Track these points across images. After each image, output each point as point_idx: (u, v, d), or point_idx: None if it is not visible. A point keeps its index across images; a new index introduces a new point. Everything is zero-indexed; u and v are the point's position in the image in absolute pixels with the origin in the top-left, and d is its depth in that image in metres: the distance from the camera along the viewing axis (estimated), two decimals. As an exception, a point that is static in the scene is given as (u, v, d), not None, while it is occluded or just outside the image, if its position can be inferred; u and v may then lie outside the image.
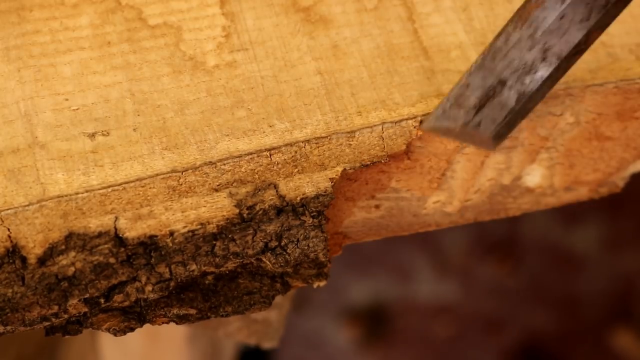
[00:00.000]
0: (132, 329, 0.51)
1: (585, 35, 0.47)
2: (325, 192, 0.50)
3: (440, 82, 0.53)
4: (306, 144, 0.51)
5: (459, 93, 0.49)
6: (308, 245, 0.50)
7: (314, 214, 0.50)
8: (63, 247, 0.48)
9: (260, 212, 0.49)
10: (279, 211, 0.50)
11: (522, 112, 0.48)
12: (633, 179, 0.60)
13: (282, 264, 0.50)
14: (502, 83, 0.47)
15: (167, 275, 0.49)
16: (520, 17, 0.47)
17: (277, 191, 0.50)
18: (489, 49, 0.48)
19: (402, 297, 1.59)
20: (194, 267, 0.49)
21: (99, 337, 0.97)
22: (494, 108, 0.48)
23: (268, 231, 0.49)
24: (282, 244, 0.50)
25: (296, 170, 0.51)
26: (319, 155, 0.51)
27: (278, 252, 0.50)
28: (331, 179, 0.51)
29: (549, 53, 0.47)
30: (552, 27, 0.46)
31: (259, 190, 0.50)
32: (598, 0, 0.46)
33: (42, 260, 0.47)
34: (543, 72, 0.47)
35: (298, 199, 0.50)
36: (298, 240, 0.50)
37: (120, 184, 0.49)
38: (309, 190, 0.50)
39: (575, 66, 0.55)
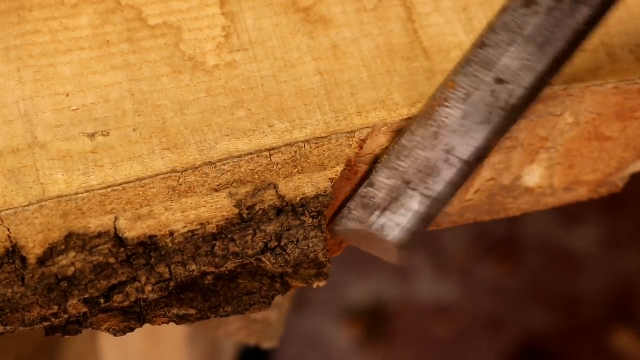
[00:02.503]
0: (132, 329, 0.51)
1: (486, 139, 0.45)
2: (325, 192, 0.50)
3: (440, 82, 0.53)
4: (306, 144, 0.51)
5: (364, 193, 0.47)
6: (308, 246, 0.50)
7: (314, 214, 0.50)
8: (63, 247, 0.48)
9: (260, 213, 0.49)
10: (279, 211, 0.50)
11: (426, 217, 0.46)
12: (633, 179, 0.60)
13: (282, 264, 0.50)
14: (407, 184, 0.46)
15: (167, 276, 0.49)
16: (424, 114, 0.46)
17: (277, 191, 0.50)
18: (394, 146, 0.46)
19: (402, 297, 1.59)
20: (193, 267, 0.49)
21: (99, 337, 0.97)
22: (397, 211, 0.46)
23: (268, 231, 0.49)
24: (282, 244, 0.50)
25: (296, 170, 0.51)
26: (319, 156, 0.51)
27: (278, 252, 0.50)
28: (331, 179, 0.51)
29: (451, 155, 0.45)
30: (455, 126, 0.45)
31: (259, 190, 0.50)
32: (497, 101, 0.45)
33: (42, 261, 0.47)
34: (445, 174, 0.45)
35: (298, 199, 0.50)
36: (298, 241, 0.50)
37: (120, 184, 0.49)
38: (309, 190, 0.50)
39: (575, 66, 0.55)
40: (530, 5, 0.45)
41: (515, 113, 0.45)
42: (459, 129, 0.45)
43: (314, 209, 0.50)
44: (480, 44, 0.47)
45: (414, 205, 0.45)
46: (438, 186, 0.45)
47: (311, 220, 0.50)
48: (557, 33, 0.46)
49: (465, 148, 0.45)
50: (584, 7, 0.45)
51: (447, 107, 0.45)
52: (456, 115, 0.45)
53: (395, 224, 0.46)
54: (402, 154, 0.46)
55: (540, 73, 0.47)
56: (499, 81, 0.45)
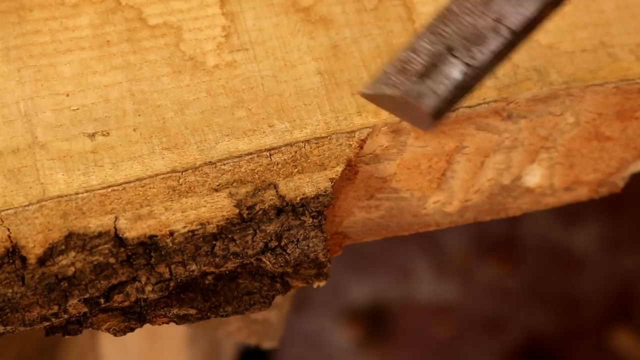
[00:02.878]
0: (132, 329, 0.51)
1: (539, 9, 0.43)
2: (325, 192, 0.50)
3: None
4: (306, 144, 0.51)
5: (404, 58, 0.44)
6: (308, 246, 0.50)
7: (314, 214, 0.50)
8: (63, 247, 0.48)
9: (260, 212, 0.49)
10: (279, 211, 0.50)
11: (465, 87, 0.44)
12: (633, 179, 0.60)
13: (282, 264, 0.50)
14: (450, 50, 0.43)
15: (167, 275, 0.49)
16: None
17: (277, 191, 0.50)
18: (442, 12, 0.44)
19: (402, 297, 1.59)
20: (194, 267, 0.49)
21: (99, 337, 0.97)
22: (437, 79, 0.43)
23: (268, 231, 0.49)
24: (282, 244, 0.50)
25: (296, 170, 0.51)
26: (319, 155, 0.51)
27: (278, 252, 0.50)
28: (331, 179, 0.51)
29: (501, 24, 0.43)
30: None
31: (259, 190, 0.50)
32: None
33: (42, 261, 0.47)
34: (492, 45, 0.43)
35: (298, 199, 0.50)
36: (298, 241, 0.50)
37: (120, 184, 0.49)
38: (309, 190, 0.50)
39: (575, 66, 0.54)
40: None
41: None
42: None
43: (314, 209, 0.50)
44: None
45: (454, 73, 0.43)
46: (482, 55, 0.43)
47: (311, 220, 0.50)
48: None
49: (516, 17, 0.43)
50: None
51: None
52: None
53: (432, 91, 0.43)
54: (449, 19, 0.43)
55: None
56: None
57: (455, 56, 0.43)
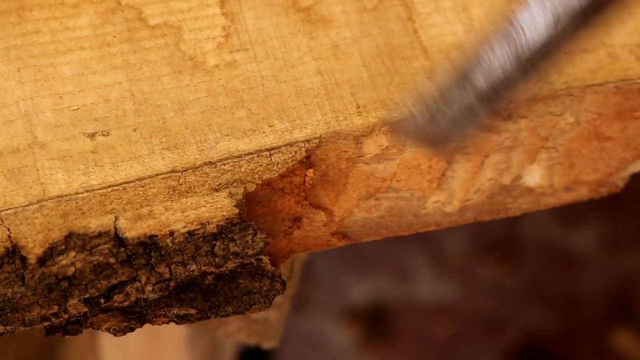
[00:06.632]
0: (132, 329, 0.51)
1: (552, 40, 0.43)
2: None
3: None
4: (306, 143, 0.51)
5: (434, 108, 0.44)
6: (308, 245, 0.50)
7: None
8: (63, 247, 0.48)
9: (260, 212, 0.49)
10: (279, 211, 0.50)
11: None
12: (633, 179, 0.60)
13: (282, 264, 0.50)
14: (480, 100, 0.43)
15: (167, 275, 0.49)
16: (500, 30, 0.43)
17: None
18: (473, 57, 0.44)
19: (402, 297, 1.59)
20: (194, 267, 0.49)
21: (99, 337, 0.97)
22: (465, 123, 0.43)
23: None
24: (282, 244, 0.50)
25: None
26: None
27: (278, 252, 0.50)
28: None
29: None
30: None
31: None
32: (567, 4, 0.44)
33: (42, 260, 0.47)
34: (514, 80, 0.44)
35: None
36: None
37: (120, 184, 0.49)
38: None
39: (575, 66, 0.54)
40: None
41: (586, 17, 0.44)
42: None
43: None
44: None
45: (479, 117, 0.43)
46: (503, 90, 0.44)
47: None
48: None
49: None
50: None
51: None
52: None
53: (462, 132, 0.44)
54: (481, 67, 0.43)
55: None
56: None
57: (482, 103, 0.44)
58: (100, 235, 0.48)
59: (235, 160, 0.50)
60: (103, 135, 0.50)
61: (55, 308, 0.48)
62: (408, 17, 0.55)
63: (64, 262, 0.47)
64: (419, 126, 0.44)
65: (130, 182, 0.49)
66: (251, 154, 0.50)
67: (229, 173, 0.50)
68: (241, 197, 0.49)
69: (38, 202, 0.48)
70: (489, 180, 0.56)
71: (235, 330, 0.80)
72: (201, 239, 0.49)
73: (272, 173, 0.50)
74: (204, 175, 0.50)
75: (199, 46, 0.53)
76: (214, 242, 0.49)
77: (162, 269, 0.49)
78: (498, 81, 0.43)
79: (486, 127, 0.44)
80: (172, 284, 0.49)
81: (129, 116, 0.50)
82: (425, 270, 1.60)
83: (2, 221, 0.47)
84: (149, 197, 0.49)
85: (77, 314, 0.49)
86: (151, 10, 0.53)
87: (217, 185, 0.50)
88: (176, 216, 0.49)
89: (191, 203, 0.49)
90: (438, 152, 0.46)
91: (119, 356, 0.97)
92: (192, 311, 0.51)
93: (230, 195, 0.50)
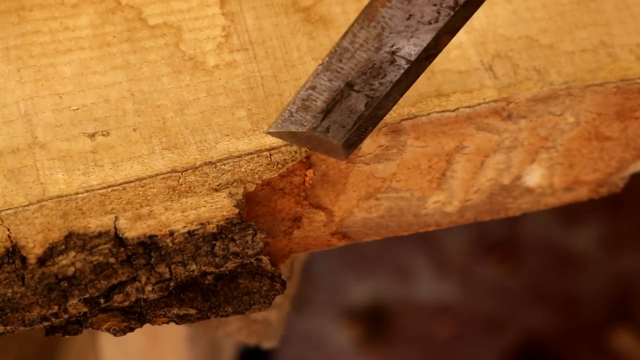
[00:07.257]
0: (132, 329, 0.51)
1: (434, 39, 0.43)
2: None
3: (440, 82, 0.53)
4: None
5: (305, 96, 0.45)
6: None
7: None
8: (63, 247, 0.48)
9: (260, 212, 0.49)
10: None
11: (372, 118, 0.45)
12: (633, 179, 0.60)
13: (282, 264, 0.50)
14: (350, 86, 0.45)
15: (167, 275, 0.49)
16: (366, 15, 0.43)
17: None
18: (335, 49, 0.45)
19: (402, 297, 1.59)
20: (194, 267, 0.49)
21: (99, 337, 0.97)
22: (342, 113, 0.45)
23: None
24: (282, 244, 0.50)
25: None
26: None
27: (278, 252, 0.50)
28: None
29: (397, 56, 0.44)
30: (400, 27, 0.43)
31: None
32: (446, 1, 0.43)
33: (42, 260, 0.47)
34: (392, 76, 0.44)
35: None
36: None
37: (120, 184, 0.49)
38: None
39: (575, 66, 0.54)
40: None
41: (467, 10, 0.44)
42: (404, 30, 0.43)
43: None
44: None
45: (358, 106, 0.45)
46: (383, 87, 0.44)
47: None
48: None
49: (412, 48, 0.44)
50: None
51: (389, 8, 0.43)
52: (401, 16, 0.43)
53: (340, 125, 0.45)
54: (344, 56, 0.44)
55: None
56: None
57: (357, 91, 0.44)
58: (100, 235, 0.48)
59: (235, 160, 0.50)
60: (103, 135, 0.50)
61: (55, 308, 0.48)
62: (408, 17, 0.55)
63: (64, 262, 0.47)
64: (299, 120, 0.45)
65: (130, 182, 0.49)
66: (251, 154, 0.50)
67: (229, 173, 0.50)
68: (241, 197, 0.49)
69: (38, 202, 0.48)
70: (489, 180, 0.56)
71: (235, 330, 0.80)
72: (201, 239, 0.49)
73: (272, 173, 0.50)
74: (204, 175, 0.50)
75: (199, 46, 0.53)
76: (214, 242, 0.49)
77: (162, 269, 0.49)
78: (364, 66, 0.44)
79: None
80: (172, 284, 0.49)
81: (129, 116, 0.50)
82: (425, 270, 1.60)
83: (2, 221, 0.47)
84: (149, 197, 0.49)
85: (77, 314, 0.49)
86: (151, 10, 0.53)
87: (217, 185, 0.50)
88: (176, 216, 0.49)
89: (191, 203, 0.49)
90: (336, 156, 0.47)
91: (119, 356, 0.97)
92: (192, 311, 0.51)
93: (230, 195, 0.50)
